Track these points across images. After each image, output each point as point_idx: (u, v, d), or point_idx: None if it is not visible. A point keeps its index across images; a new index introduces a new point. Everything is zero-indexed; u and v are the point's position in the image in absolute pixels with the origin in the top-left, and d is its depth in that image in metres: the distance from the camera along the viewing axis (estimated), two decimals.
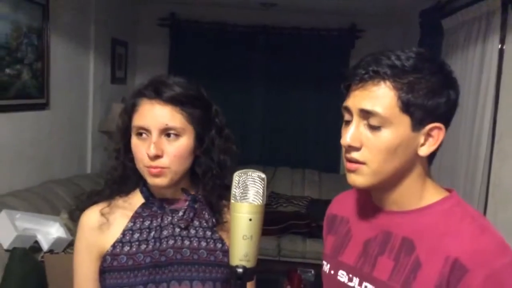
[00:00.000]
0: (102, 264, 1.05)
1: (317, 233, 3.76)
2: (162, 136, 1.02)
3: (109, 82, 3.93)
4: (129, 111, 1.06)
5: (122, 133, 1.07)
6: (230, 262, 0.78)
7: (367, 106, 0.86)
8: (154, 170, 1.01)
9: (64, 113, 3.25)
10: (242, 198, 0.78)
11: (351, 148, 0.88)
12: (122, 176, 1.09)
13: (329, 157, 4.55)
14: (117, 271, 1.04)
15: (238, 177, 0.80)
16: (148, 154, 1.00)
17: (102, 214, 1.07)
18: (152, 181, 1.04)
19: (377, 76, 0.85)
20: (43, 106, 3.01)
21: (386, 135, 0.85)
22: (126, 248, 1.06)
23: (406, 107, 0.84)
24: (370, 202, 0.99)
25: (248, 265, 0.77)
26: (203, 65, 4.44)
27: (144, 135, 1.03)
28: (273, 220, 3.89)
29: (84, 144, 3.60)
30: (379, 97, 0.85)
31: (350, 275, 0.96)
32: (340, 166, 4.56)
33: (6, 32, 2.58)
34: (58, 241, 2.40)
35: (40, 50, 2.91)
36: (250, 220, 0.77)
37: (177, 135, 1.02)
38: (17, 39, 2.69)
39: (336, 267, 1.00)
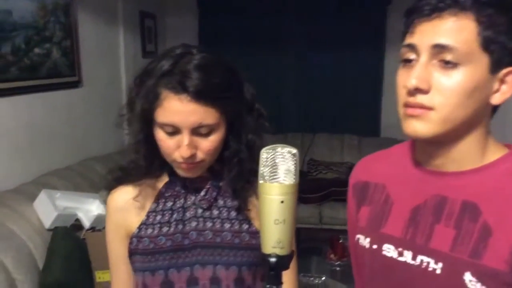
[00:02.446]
0: (130, 246, 1.01)
1: None
2: (194, 133, 0.92)
3: (140, 56, 3.89)
4: (151, 100, 0.92)
5: (143, 123, 0.96)
6: (262, 250, 0.70)
7: (442, 39, 0.74)
8: (188, 166, 0.94)
9: (97, 90, 3.23)
10: (271, 177, 0.68)
11: (417, 91, 0.76)
12: (145, 167, 1.01)
13: (369, 121, 4.39)
14: (141, 254, 0.99)
15: (265, 154, 0.70)
16: (182, 156, 0.92)
17: (129, 195, 1.02)
18: (184, 174, 0.97)
19: (456, 5, 0.74)
20: (76, 84, 3.00)
21: (462, 75, 0.74)
22: (149, 231, 1.00)
23: (486, 43, 0.74)
24: (413, 163, 0.87)
25: (282, 252, 0.68)
26: (234, 33, 4.32)
27: (172, 131, 0.92)
28: (313, 187, 3.81)
29: (117, 117, 3.58)
30: (457, 29, 0.74)
31: (400, 249, 0.85)
32: (381, 129, 4.40)
33: (33, 11, 2.55)
34: (98, 218, 2.41)
35: (68, 27, 2.88)
36: (282, 202, 0.67)
37: (211, 131, 0.93)
38: (44, 17, 2.66)
39: (379, 240, 0.89)
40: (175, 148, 0.92)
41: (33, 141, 2.59)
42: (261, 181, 0.70)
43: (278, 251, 0.68)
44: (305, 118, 4.49)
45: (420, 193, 0.84)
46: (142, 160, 0.99)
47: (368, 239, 0.91)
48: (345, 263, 2.69)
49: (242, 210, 1.00)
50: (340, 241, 2.82)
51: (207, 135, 0.92)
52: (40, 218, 2.24)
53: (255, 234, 0.99)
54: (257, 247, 0.91)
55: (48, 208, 2.25)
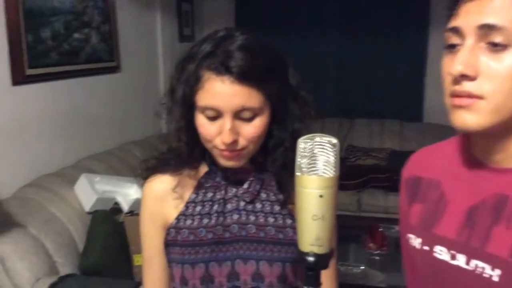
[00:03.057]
0: (167, 237, 0.98)
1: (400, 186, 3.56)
2: (236, 119, 0.87)
3: (177, 41, 3.88)
4: (192, 84, 0.88)
5: (184, 108, 0.92)
6: (299, 247, 0.65)
7: (490, 19, 0.67)
8: (229, 154, 0.89)
9: (135, 74, 3.25)
10: (309, 170, 0.63)
11: (463, 78, 0.69)
12: (187, 155, 0.96)
13: (411, 105, 4.23)
14: (180, 246, 0.96)
15: (303, 144, 0.65)
16: (224, 142, 0.87)
17: (167, 184, 0.98)
18: (225, 163, 0.92)
19: None
20: (114, 69, 3.02)
21: None
22: (189, 222, 0.96)
23: None
24: (471, 158, 0.79)
25: (321, 250, 0.63)
26: (271, 16, 4.23)
27: (214, 115, 0.88)
28: (351, 174, 3.72)
29: (157, 104, 3.60)
30: (507, 7, 0.67)
31: (453, 252, 0.78)
32: (423, 114, 4.24)
33: None
34: (137, 202, 2.43)
35: (106, 12, 2.89)
36: (321, 196, 0.62)
37: (254, 116, 0.88)
38: (83, 2, 2.68)
39: (431, 241, 0.82)
40: (216, 134, 0.88)
41: (73, 125, 2.63)
42: (298, 173, 0.65)
43: (317, 249, 0.63)
44: (344, 102, 4.37)
45: (478, 192, 0.77)
46: (183, 148, 0.95)
47: (419, 240, 0.85)
48: (385, 252, 2.62)
49: (286, 204, 0.96)
50: (380, 229, 2.74)
51: (250, 120, 0.87)
52: (80, 201, 2.28)
53: None
54: None
55: (88, 192, 2.29)
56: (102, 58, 2.90)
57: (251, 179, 0.96)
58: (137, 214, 2.33)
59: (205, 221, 0.96)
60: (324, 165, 0.63)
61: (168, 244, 0.98)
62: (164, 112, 0.97)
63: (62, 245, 2.03)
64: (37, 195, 2.15)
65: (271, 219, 0.95)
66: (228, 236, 0.95)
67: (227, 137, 0.85)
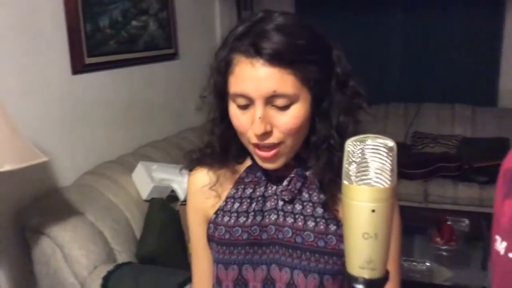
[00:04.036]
0: (207, 231, 0.93)
1: (471, 176, 3.31)
2: (269, 107, 0.79)
3: None
4: (223, 70, 0.82)
5: (218, 99, 0.86)
6: (347, 271, 0.55)
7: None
8: (264, 154, 0.81)
9: (193, 61, 3.22)
10: (359, 178, 0.53)
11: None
12: (219, 149, 0.90)
13: (484, 88, 3.91)
14: (216, 243, 0.91)
15: (351, 146, 0.55)
16: (254, 133, 0.79)
17: (207, 177, 0.93)
18: (262, 164, 0.84)
19: None
20: (172, 56, 3.01)
21: None
22: (226, 219, 0.90)
23: None
24: None
25: (373, 275, 0.53)
26: None
27: (245, 104, 0.80)
28: (418, 162, 3.52)
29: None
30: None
31: None
32: (499, 98, 3.91)
33: None
34: None
35: None
36: (373, 211, 0.52)
37: (290, 104, 0.79)
38: None
39: None
40: (249, 125, 0.80)
41: (132, 113, 2.65)
42: (345, 182, 0.55)
43: (368, 274, 0.53)
44: (410, 85, 4.11)
45: None
46: (215, 143, 0.89)
47: (504, 244, 0.71)
48: (453, 247, 2.44)
49: (330, 208, 0.86)
50: (448, 222, 2.56)
51: (285, 108, 0.78)
52: (138, 189, 2.29)
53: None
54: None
55: (145, 179, 2.30)
56: (160, 46, 2.89)
57: (291, 176, 0.87)
58: None
59: (242, 219, 0.89)
60: (377, 173, 0.53)
61: (208, 239, 0.94)
62: (205, 106, 0.91)
63: (119, 233, 2.06)
64: (96, 182, 2.19)
65: (311, 223, 0.86)
66: (265, 238, 0.87)
67: (258, 127, 0.77)
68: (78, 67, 2.26)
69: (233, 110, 0.82)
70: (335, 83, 0.82)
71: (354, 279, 0.53)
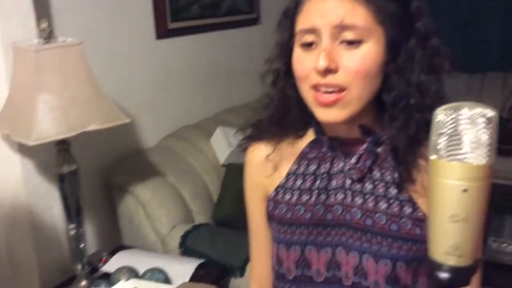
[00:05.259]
0: (267, 209, 0.88)
1: None
2: (337, 43, 0.72)
3: None
4: (291, 14, 0.77)
5: (283, 49, 0.81)
6: (429, 255, 0.49)
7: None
8: (324, 98, 0.73)
9: (274, 26, 3.17)
10: (449, 153, 0.46)
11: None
12: (278, 117, 0.84)
13: None
14: (276, 222, 0.86)
15: (443, 115, 0.48)
16: (316, 68, 0.72)
17: (266, 152, 0.89)
18: (322, 114, 0.75)
19: None
20: (254, 21, 2.97)
21: None
22: (287, 196, 0.85)
23: None
24: None
25: (460, 263, 0.46)
26: None
27: (312, 44, 0.74)
28: None
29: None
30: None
31: None
32: None
33: None
34: None
35: None
36: (465, 191, 0.45)
37: (360, 40, 0.71)
38: None
39: None
40: (311, 68, 0.73)
41: (213, 78, 2.67)
42: (433, 156, 0.48)
43: (454, 261, 0.46)
44: (511, 53, 3.74)
45: None
46: (275, 107, 0.85)
47: None
48: None
49: (405, 183, 0.77)
50: None
51: (354, 46, 0.71)
52: (216, 154, 2.33)
53: (421, 222, 0.76)
54: (422, 239, 0.71)
55: (223, 145, 2.32)
56: (242, 10, 2.86)
57: (361, 152, 0.79)
58: None
59: (305, 197, 0.83)
60: (472, 148, 0.45)
61: (268, 217, 0.89)
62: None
63: (197, 195, 2.11)
64: (177, 145, 2.25)
65: (383, 205, 0.77)
66: (331, 219, 0.81)
67: (321, 60, 0.71)
68: (162, 31, 2.30)
69: (297, 53, 0.76)
70: (416, 38, 0.74)
71: (438, 266, 0.47)
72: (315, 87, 0.74)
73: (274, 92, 0.85)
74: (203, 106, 2.61)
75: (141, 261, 1.73)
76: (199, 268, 1.72)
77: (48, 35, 1.45)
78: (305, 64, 0.75)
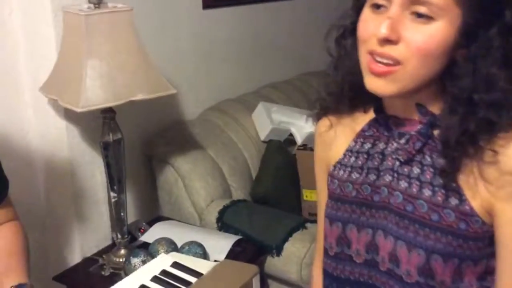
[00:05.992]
0: (327, 184, 0.88)
1: None
2: (407, 14, 0.68)
3: None
4: None
5: (354, 6, 0.78)
6: None
7: None
8: (377, 68, 0.70)
9: (320, 1, 3.06)
10: None
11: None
12: (340, 91, 0.83)
13: None
14: (328, 196, 0.86)
15: None
16: (377, 35, 0.68)
17: (330, 127, 0.89)
18: (370, 83, 0.72)
19: None
20: None
21: None
22: (341, 173, 0.84)
23: None
24: None
25: None
26: None
27: (381, 7, 0.70)
28: None
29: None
30: None
31: None
32: None
33: None
34: (310, 136, 2.35)
35: None
36: None
37: (430, 17, 0.67)
38: None
39: None
40: (374, 31, 0.70)
41: (256, 52, 2.61)
42: None
43: None
44: None
45: None
46: (335, 84, 0.84)
47: None
48: None
49: (451, 175, 0.71)
50: None
51: (423, 21, 0.67)
52: (257, 129, 2.29)
53: (468, 216, 0.71)
54: (466, 235, 0.68)
55: (264, 120, 2.28)
56: None
57: (412, 133, 0.76)
58: (310, 149, 2.27)
59: (355, 175, 0.82)
60: None
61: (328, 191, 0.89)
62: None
63: (236, 170, 2.08)
64: (218, 119, 2.22)
65: (427, 192, 0.74)
66: (377, 200, 0.78)
67: (383, 29, 0.67)
68: (209, 1, 2.25)
69: (365, 13, 0.73)
70: (498, 27, 0.68)
71: None
72: (371, 53, 0.71)
73: (336, 51, 0.84)
74: (244, 80, 2.56)
75: (179, 233, 1.73)
76: (236, 244, 1.71)
77: (98, 0, 1.42)
78: (368, 26, 0.72)
